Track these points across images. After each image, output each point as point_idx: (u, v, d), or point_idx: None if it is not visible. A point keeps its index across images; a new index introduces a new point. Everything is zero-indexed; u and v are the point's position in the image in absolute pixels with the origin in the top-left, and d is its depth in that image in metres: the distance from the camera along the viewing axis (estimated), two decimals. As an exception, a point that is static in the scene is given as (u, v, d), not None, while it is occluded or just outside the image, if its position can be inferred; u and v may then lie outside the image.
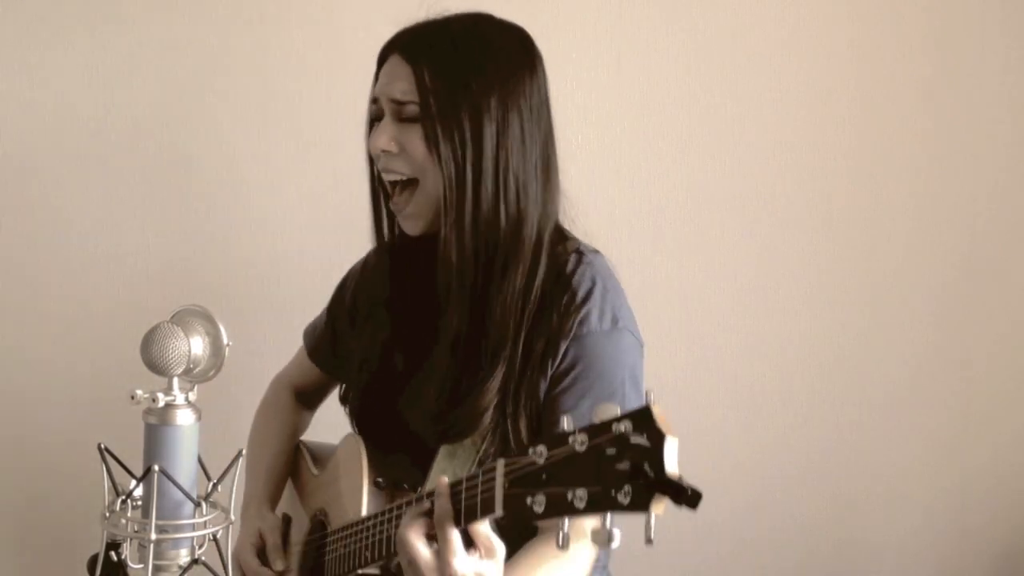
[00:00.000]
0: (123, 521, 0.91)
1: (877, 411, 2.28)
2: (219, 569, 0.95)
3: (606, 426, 0.87)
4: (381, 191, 1.39)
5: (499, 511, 0.96)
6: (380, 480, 1.31)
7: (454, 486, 1.03)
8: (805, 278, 2.21)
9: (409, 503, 1.12)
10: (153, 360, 0.91)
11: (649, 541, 0.84)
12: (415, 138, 1.28)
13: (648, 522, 0.84)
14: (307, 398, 1.68)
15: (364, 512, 1.28)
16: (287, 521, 1.53)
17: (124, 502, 0.92)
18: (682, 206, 2.14)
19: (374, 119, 1.35)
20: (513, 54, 1.32)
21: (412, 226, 1.34)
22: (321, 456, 1.56)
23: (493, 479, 0.97)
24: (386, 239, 1.42)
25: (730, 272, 2.18)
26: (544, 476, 0.91)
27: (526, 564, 1.22)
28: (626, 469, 0.85)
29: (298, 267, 2.00)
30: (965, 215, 2.27)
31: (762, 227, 2.18)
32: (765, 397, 2.22)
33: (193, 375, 0.95)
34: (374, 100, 1.34)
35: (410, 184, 1.31)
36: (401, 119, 1.30)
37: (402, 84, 1.29)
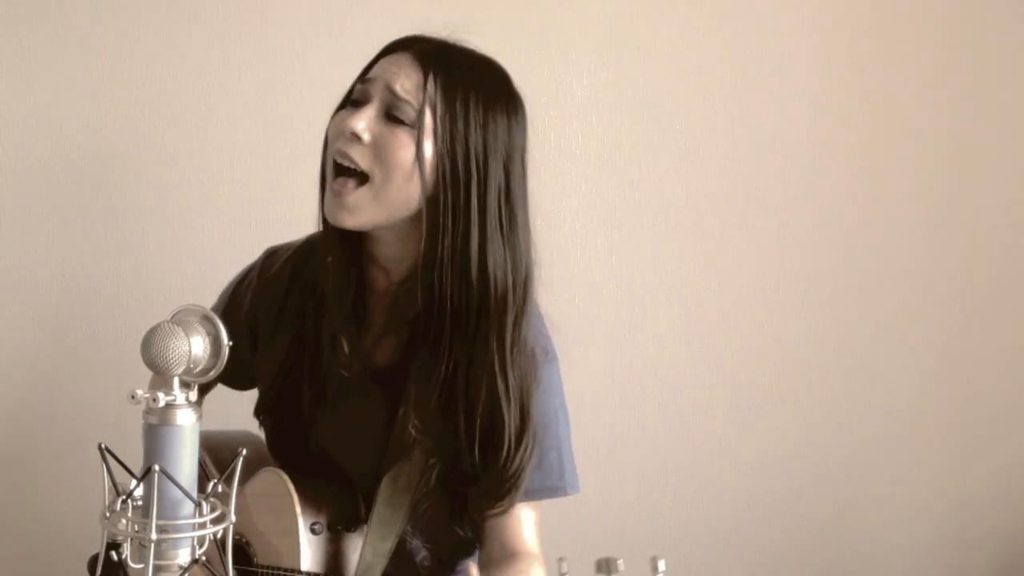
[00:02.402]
0: (123, 521, 0.91)
1: (879, 414, 2.27)
2: (219, 569, 0.95)
3: None
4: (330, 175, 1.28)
5: None
6: (316, 527, 1.29)
7: None
8: (807, 279, 2.21)
9: None
10: (153, 360, 0.91)
11: None
12: (393, 140, 1.20)
13: None
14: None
15: (303, 562, 1.27)
16: None
17: (124, 502, 0.92)
18: (682, 206, 2.14)
19: (356, 100, 1.26)
20: (517, 110, 1.29)
21: (346, 218, 1.23)
22: (223, 448, 1.44)
23: None
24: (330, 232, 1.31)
25: (730, 272, 2.18)
26: None
27: None
28: None
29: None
30: (970, 220, 2.27)
31: (763, 228, 2.18)
32: (766, 399, 2.22)
33: (193, 375, 0.94)
34: (363, 80, 1.26)
35: (358, 176, 1.23)
36: (388, 115, 1.22)
37: (406, 82, 1.22)
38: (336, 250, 1.30)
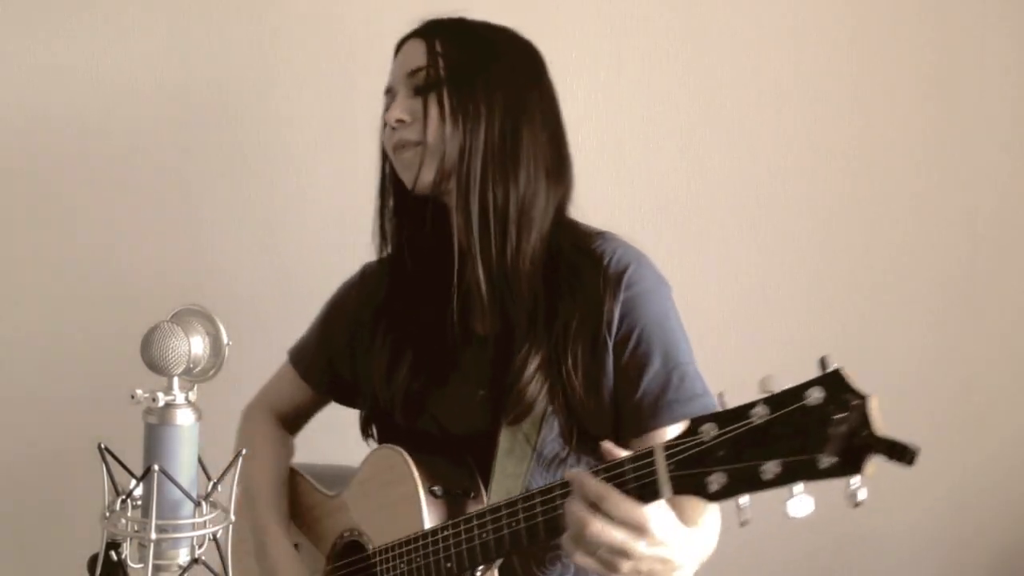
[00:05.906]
0: (123, 521, 0.91)
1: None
2: (219, 569, 0.95)
3: (792, 395, 0.85)
4: (388, 193, 1.42)
5: (667, 494, 0.95)
6: (436, 489, 1.28)
7: (609, 476, 1.01)
8: (806, 278, 2.21)
9: (507, 506, 1.12)
10: (153, 360, 0.91)
11: (856, 504, 0.85)
12: (429, 108, 1.30)
13: (850, 486, 0.85)
14: (290, 424, 1.63)
15: (427, 523, 1.24)
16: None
17: (124, 502, 0.92)
18: (683, 206, 2.14)
19: (388, 108, 1.37)
20: (521, 50, 1.37)
21: (409, 177, 1.34)
22: (329, 477, 1.50)
23: (652, 464, 0.96)
24: (388, 242, 1.44)
25: (731, 272, 2.18)
26: (721, 453, 0.90)
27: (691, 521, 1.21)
28: (835, 433, 0.84)
29: (298, 266, 2.00)
30: (965, 216, 2.27)
31: (763, 227, 2.18)
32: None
33: (193, 375, 0.94)
34: (388, 89, 1.37)
35: (416, 145, 1.32)
36: (415, 91, 1.32)
37: (415, 58, 1.32)
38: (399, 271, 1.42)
